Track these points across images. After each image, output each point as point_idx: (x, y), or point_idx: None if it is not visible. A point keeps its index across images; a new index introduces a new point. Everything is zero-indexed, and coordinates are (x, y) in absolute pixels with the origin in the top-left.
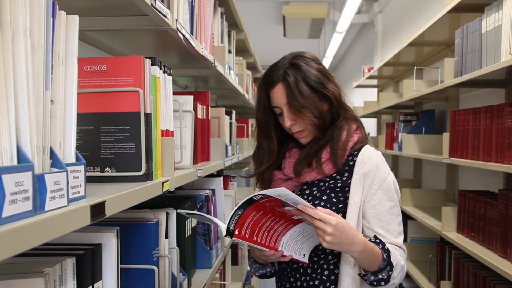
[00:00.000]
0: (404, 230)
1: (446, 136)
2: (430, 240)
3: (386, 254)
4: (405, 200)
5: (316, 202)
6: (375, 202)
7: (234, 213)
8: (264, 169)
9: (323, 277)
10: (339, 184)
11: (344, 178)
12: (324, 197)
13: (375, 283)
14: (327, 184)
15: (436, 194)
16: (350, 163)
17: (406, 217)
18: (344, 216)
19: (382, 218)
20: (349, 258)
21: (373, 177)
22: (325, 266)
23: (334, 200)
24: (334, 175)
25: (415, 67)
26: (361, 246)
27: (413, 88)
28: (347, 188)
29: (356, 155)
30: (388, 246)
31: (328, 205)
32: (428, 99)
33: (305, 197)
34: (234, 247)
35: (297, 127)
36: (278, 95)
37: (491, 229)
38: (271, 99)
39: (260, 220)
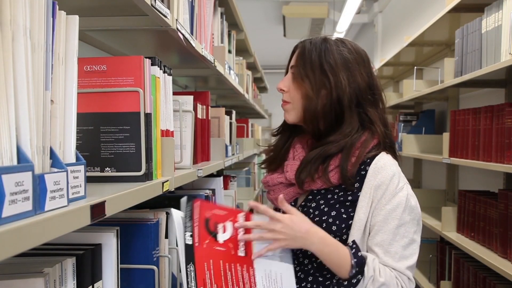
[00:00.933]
0: None
1: (446, 136)
2: (430, 240)
3: (355, 260)
4: None
5: (323, 218)
6: (380, 218)
7: (186, 270)
8: (270, 149)
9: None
10: (349, 198)
11: (355, 190)
12: (333, 213)
13: None
14: (335, 197)
15: (436, 194)
16: (362, 172)
17: None
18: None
19: (384, 236)
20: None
21: (384, 190)
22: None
23: (344, 216)
24: (343, 185)
25: (415, 67)
26: (316, 237)
27: (413, 88)
28: (357, 202)
29: (369, 164)
30: (369, 258)
31: (337, 222)
32: (428, 99)
33: (310, 210)
34: None
35: (287, 96)
36: (294, 56)
37: (491, 229)
38: (290, 61)
39: (219, 270)
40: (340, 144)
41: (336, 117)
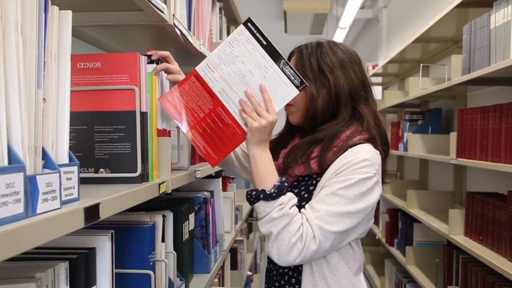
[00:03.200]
0: (410, 234)
1: (453, 135)
2: (436, 243)
3: (279, 184)
4: (410, 202)
5: (302, 203)
6: (326, 187)
7: None
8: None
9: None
10: None
11: None
12: (309, 199)
13: (252, 197)
14: (314, 182)
15: (443, 196)
16: None
17: (412, 220)
18: None
19: (317, 199)
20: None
21: (347, 167)
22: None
23: None
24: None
25: (421, 64)
26: (266, 151)
27: (419, 86)
28: None
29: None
30: (290, 194)
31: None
32: (434, 98)
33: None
34: (233, 251)
35: None
36: (291, 62)
37: (500, 232)
38: None
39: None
40: (327, 131)
41: (333, 112)
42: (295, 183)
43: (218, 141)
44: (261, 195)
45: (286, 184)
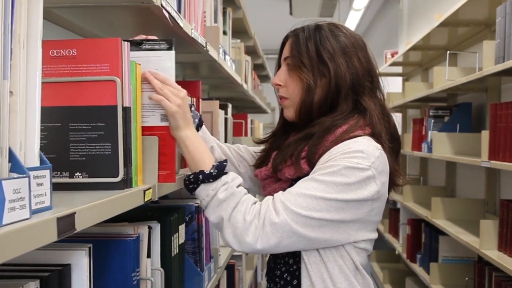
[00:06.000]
0: (435, 248)
1: (485, 134)
2: (465, 259)
3: (218, 164)
4: (436, 212)
5: None
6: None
7: None
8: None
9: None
10: None
11: None
12: None
13: (189, 182)
14: None
15: (473, 204)
16: None
17: (437, 233)
18: None
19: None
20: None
21: (331, 158)
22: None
23: None
24: None
25: (448, 52)
26: (194, 132)
27: (446, 77)
28: None
29: None
30: (235, 178)
31: None
32: (463, 90)
33: None
34: (230, 269)
35: (283, 91)
36: (286, 47)
37: None
38: (282, 53)
39: None
40: (321, 124)
41: (331, 105)
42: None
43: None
44: (200, 176)
45: (225, 164)
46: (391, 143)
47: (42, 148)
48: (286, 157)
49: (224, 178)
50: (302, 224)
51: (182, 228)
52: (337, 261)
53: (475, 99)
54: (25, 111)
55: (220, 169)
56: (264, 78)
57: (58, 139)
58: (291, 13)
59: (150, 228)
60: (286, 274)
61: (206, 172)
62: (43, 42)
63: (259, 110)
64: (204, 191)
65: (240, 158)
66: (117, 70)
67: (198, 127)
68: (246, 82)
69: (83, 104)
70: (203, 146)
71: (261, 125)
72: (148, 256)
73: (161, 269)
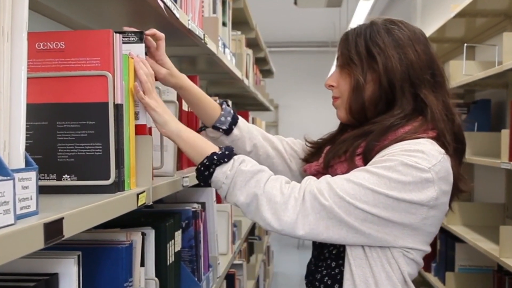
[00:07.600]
0: (451, 257)
1: (505, 133)
2: (484, 269)
3: (225, 147)
4: (451, 218)
5: None
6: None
7: None
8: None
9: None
10: None
11: None
12: None
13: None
14: None
15: (493, 209)
16: None
17: (454, 240)
18: None
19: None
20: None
21: (388, 153)
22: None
23: None
24: None
25: (465, 45)
26: (182, 124)
27: (463, 71)
28: None
29: None
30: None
31: None
32: (482, 86)
33: None
34: (230, 278)
35: (336, 91)
36: (338, 46)
37: None
38: None
39: None
40: (381, 122)
41: (388, 103)
42: None
43: None
44: (215, 157)
45: (232, 148)
46: (454, 144)
47: (27, 149)
48: (339, 152)
49: (239, 156)
50: (345, 211)
51: (178, 234)
52: (384, 266)
53: (495, 95)
54: (9, 109)
55: (230, 150)
56: (266, 73)
57: (45, 138)
58: (295, 3)
59: (143, 234)
60: (327, 278)
61: (219, 153)
62: (29, 34)
63: (261, 107)
64: (222, 174)
65: (294, 153)
66: (109, 64)
67: (232, 125)
68: (247, 77)
69: (72, 101)
70: (199, 136)
71: (264, 124)
72: (142, 264)
73: (156, 278)
